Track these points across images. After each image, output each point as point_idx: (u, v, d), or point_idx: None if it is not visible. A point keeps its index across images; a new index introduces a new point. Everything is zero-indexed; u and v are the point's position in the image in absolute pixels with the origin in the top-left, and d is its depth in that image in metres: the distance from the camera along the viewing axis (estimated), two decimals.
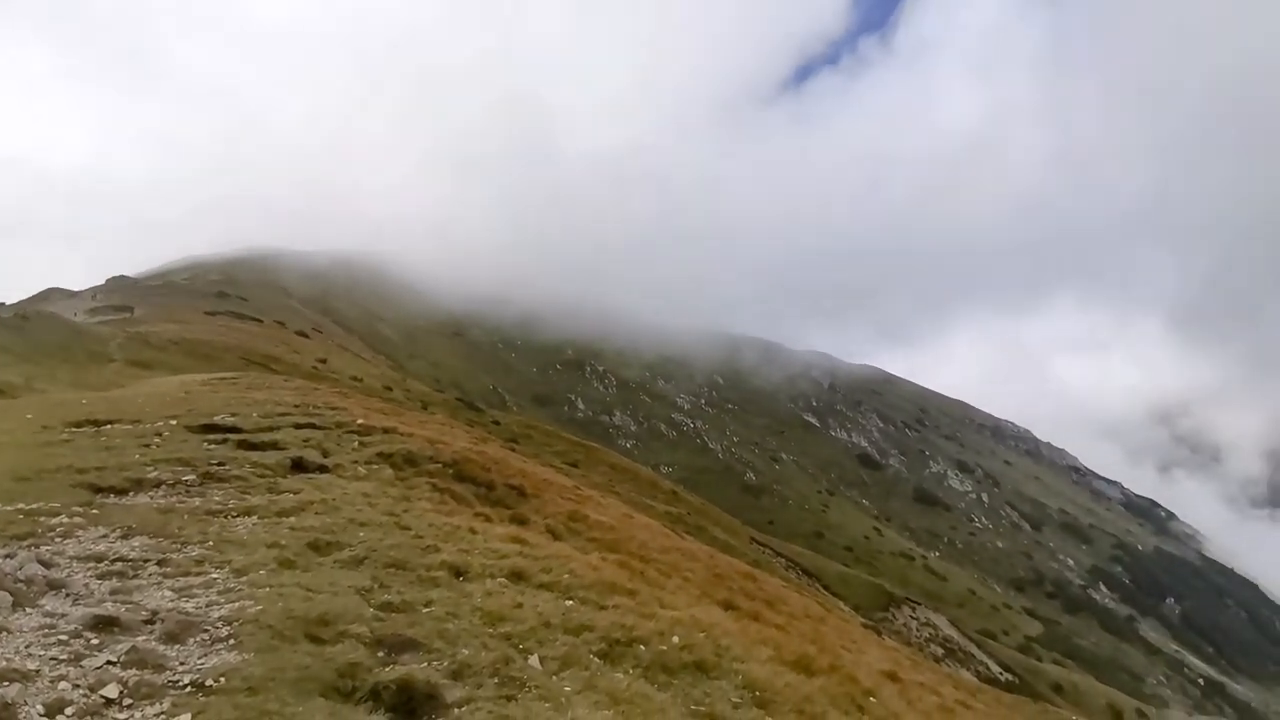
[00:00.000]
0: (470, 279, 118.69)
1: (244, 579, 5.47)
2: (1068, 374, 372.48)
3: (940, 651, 38.16)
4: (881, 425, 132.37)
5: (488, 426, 39.00)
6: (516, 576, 7.28)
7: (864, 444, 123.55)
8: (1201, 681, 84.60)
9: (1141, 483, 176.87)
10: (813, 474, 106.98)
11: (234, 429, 11.07)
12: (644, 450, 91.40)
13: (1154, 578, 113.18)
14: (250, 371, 26.88)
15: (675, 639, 6.66)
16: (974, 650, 42.34)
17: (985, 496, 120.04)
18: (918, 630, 40.88)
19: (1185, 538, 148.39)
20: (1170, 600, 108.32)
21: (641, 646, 6.30)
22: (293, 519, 7.26)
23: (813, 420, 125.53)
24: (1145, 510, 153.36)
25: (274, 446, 10.30)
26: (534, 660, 5.35)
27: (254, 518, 7.24)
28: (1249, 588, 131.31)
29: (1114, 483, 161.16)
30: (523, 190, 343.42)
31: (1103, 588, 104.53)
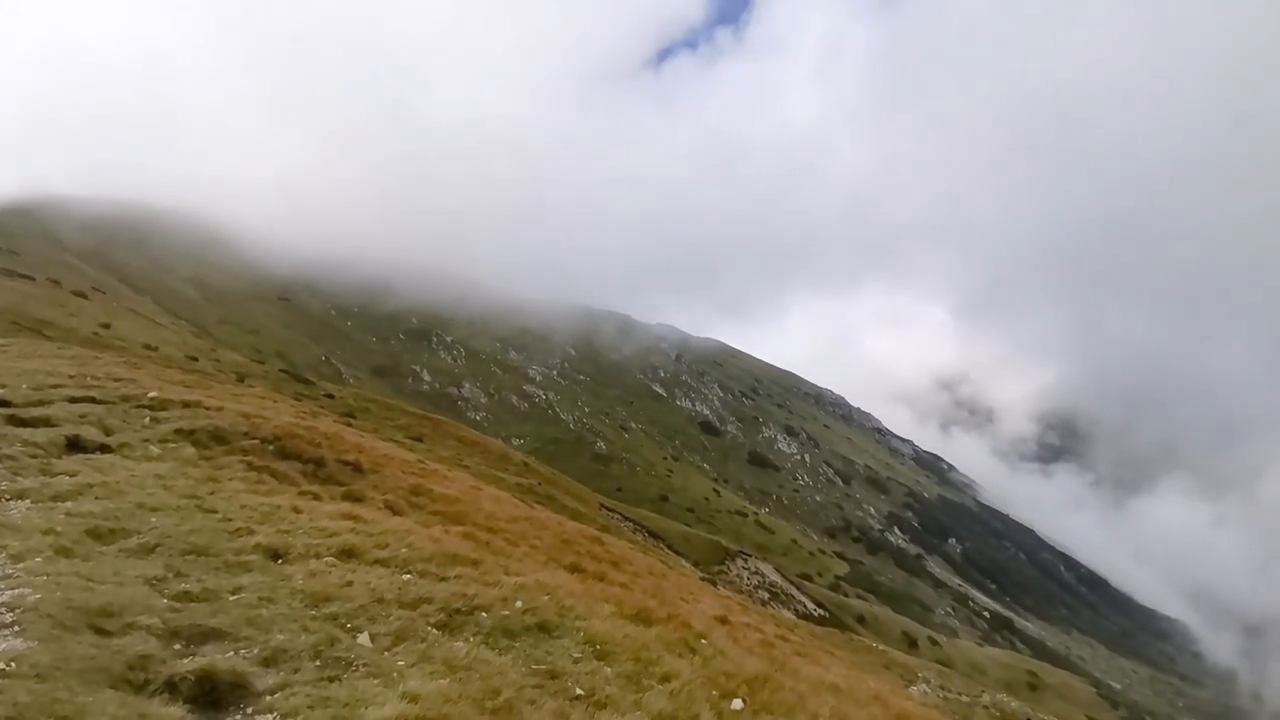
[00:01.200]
0: (309, 242, 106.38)
1: (20, 565, 5.08)
2: (873, 347, 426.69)
3: (766, 596, 42.30)
4: (722, 395, 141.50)
5: (320, 400, 35.91)
6: (347, 554, 6.93)
7: (706, 412, 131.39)
8: (988, 615, 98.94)
9: (926, 440, 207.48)
10: (659, 441, 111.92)
11: (2, 402, 9.62)
12: (495, 423, 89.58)
13: (938, 521, 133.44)
14: (21, 338, 22.48)
15: (519, 604, 6.75)
16: (794, 592, 47.45)
17: (808, 457, 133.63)
18: (748, 579, 44.91)
19: (963, 486, 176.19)
20: (952, 541, 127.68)
21: (483, 614, 6.32)
22: (69, 504, 6.51)
23: (660, 391, 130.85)
24: (931, 463, 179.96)
25: (46, 423, 9.06)
26: (364, 638, 5.16)
27: (27, 501, 6.50)
28: (1025, 532, 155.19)
29: (907, 440, 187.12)
30: (383, 157, 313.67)
31: (896, 531, 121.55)
